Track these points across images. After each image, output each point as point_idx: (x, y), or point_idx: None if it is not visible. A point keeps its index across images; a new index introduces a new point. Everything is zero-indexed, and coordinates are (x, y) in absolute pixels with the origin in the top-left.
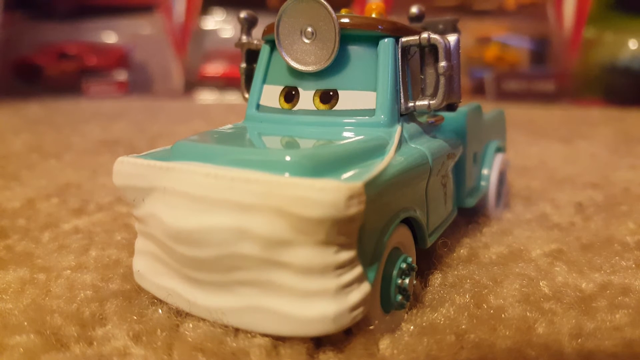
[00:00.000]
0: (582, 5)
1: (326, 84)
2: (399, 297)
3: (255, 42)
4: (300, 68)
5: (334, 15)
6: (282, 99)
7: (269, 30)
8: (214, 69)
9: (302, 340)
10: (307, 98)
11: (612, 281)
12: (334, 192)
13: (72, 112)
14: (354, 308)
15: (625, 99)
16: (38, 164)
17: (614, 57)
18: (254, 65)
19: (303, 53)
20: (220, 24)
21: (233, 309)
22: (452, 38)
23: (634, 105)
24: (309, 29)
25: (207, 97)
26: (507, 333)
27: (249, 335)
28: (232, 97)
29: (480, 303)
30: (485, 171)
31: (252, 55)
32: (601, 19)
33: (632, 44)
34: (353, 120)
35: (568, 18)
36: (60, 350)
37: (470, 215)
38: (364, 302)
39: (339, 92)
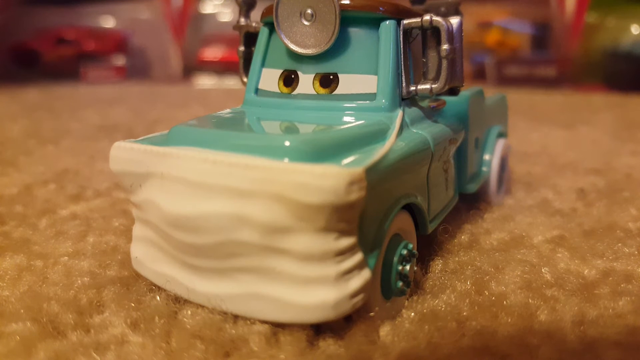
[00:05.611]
0: None
1: (326, 67)
2: (400, 284)
3: (253, 24)
4: (299, 51)
5: None
6: (281, 83)
7: (267, 12)
8: (213, 53)
9: (302, 327)
10: (306, 82)
11: (615, 268)
12: (334, 178)
13: (70, 98)
14: (354, 295)
15: (626, 84)
16: (35, 150)
17: (616, 43)
18: (253, 49)
19: (302, 35)
20: (219, 8)
21: (232, 296)
22: (454, 20)
23: (635, 90)
24: (309, 11)
25: (205, 81)
26: (509, 320)
27: (248, 322)
28: (231, 82)
29: (481, 290)
30: (486, 157)
31: (250, 38)
32: (603, 4)
33: (634, 29)
34: (353, 105)
35: (570, 3)
36: (57, 338)
37: (471, 201)
38: (365, 288)
39: (339, 75)
